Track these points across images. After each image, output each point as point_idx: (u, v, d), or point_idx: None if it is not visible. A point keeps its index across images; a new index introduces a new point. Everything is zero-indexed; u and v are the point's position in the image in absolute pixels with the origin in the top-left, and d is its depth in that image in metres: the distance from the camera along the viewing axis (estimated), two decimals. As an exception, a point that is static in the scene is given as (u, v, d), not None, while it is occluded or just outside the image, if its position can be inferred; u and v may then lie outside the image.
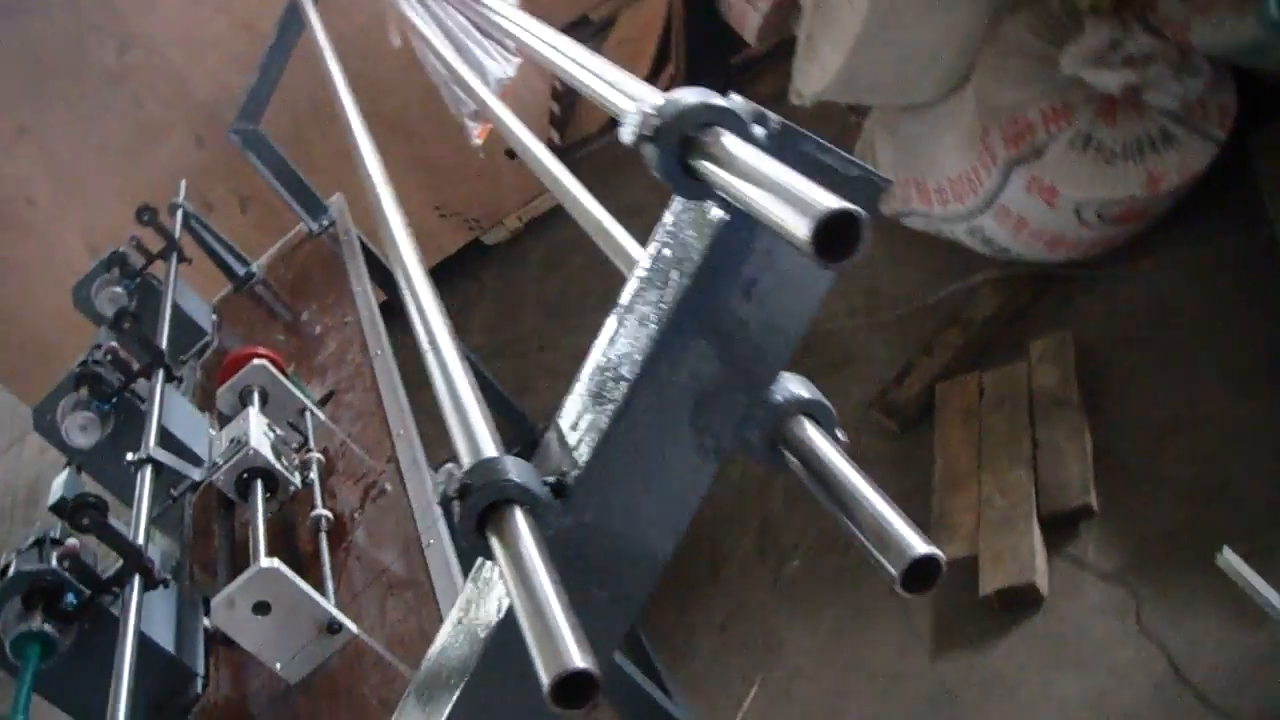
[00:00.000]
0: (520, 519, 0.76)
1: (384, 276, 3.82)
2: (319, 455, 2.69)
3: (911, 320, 3.72)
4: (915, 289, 3.79)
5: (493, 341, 5.17)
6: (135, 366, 3.03)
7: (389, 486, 2.49)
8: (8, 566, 2.42)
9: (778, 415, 0.82)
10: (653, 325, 0.79)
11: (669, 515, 0.82)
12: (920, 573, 0.70)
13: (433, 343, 1.04)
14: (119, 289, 3.63)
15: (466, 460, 0.83)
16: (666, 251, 0.81)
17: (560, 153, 6.06)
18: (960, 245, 3.69)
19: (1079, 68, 3.15)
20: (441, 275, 5.69)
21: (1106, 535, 2.90)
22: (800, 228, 0.61)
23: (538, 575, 0.71)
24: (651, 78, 6.05)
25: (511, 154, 5.58)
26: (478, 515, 0.78)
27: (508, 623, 0.81)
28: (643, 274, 0.83)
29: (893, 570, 0.70)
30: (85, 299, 3.64)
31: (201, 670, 2.45)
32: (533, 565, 0.72)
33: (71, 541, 2.32)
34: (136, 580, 2.24)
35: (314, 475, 2.61)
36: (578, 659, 0.64)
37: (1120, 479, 2.97)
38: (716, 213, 0.77)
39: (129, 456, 2.69)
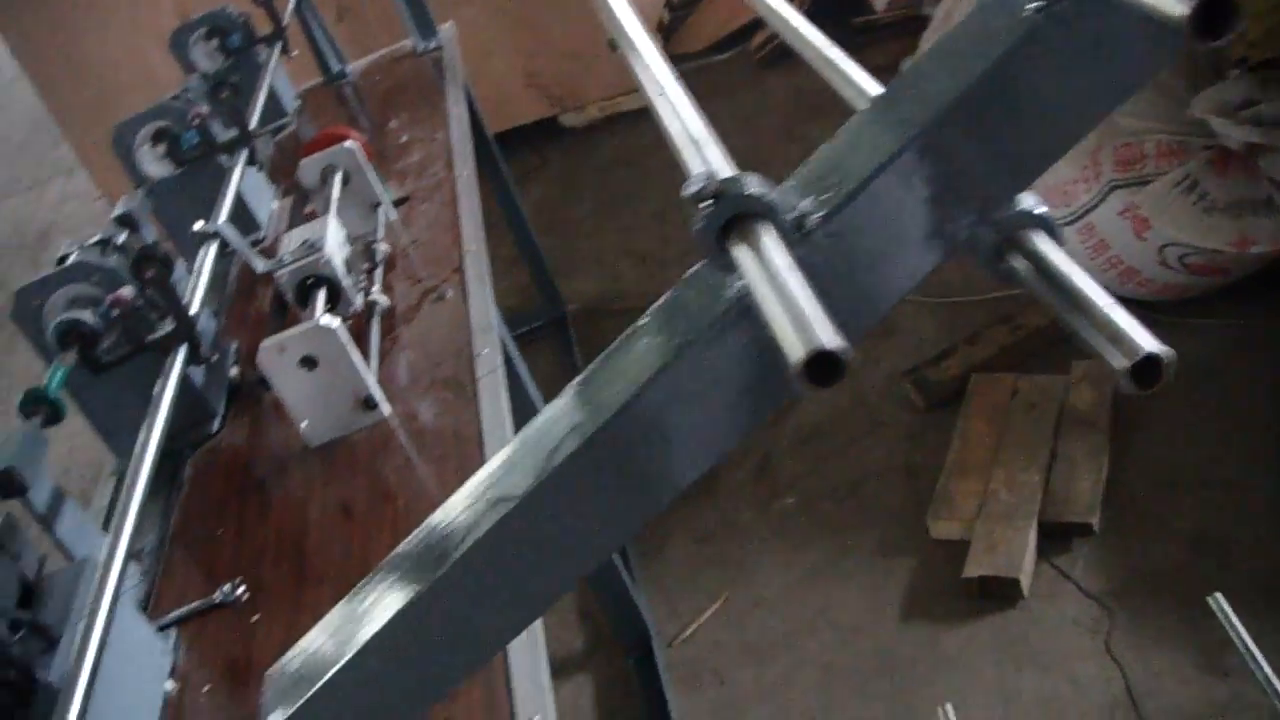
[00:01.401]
0: (769, 231, 0.79)
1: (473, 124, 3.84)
2: (386, 247, 2.71)
3: (963, 310, 3.75)
4: (976, 282, 3.81)
5: (542, 219, 5.18)
6: (219, 140, 3.03)
7: (450, 294, 2.51)
8: (67, 255, 2.45)
9: (1013, 223, 0.85)
10: (933, 102, 0.82)
11: (892, 276, 0.84)
12: (1148, 371, 0.73)
13: (661, 92, 1.06)
14: (216, 47, 3.64)
15: (704, 184, 0.85)
16: (962, 44, 0.84)
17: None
18: (1032, 253, 3.72)
19: (1209, 114, 3.17)
20: (509, 142, 5.70)
21: (1098, 557, 2.95)
22: (1175, 6, 0.64)
23: (787, 271, 0.73)
24: (765, 17, 6.03)
25: (614, 45, 5.57)
26: (724, 223, 0.81)
27: (727, 320, 0.83)
28: (932, 56, 0.85)
29: (1125, 362, 0.73)
30: (182, 45, 3.64)
31: (220, 412, 2.49)
32: (782, 262, 0.74)
33: (125, 290, 2.30)
34: (183, 351, 2.24)
35: (378, 279, 2.62)
36: (833, 338, 0.67)
37: (1126, 510, 3.02)
38: (1031, 8, 0.79)
39: (196, 226, 2.68)
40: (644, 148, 5.47)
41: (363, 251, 2.68)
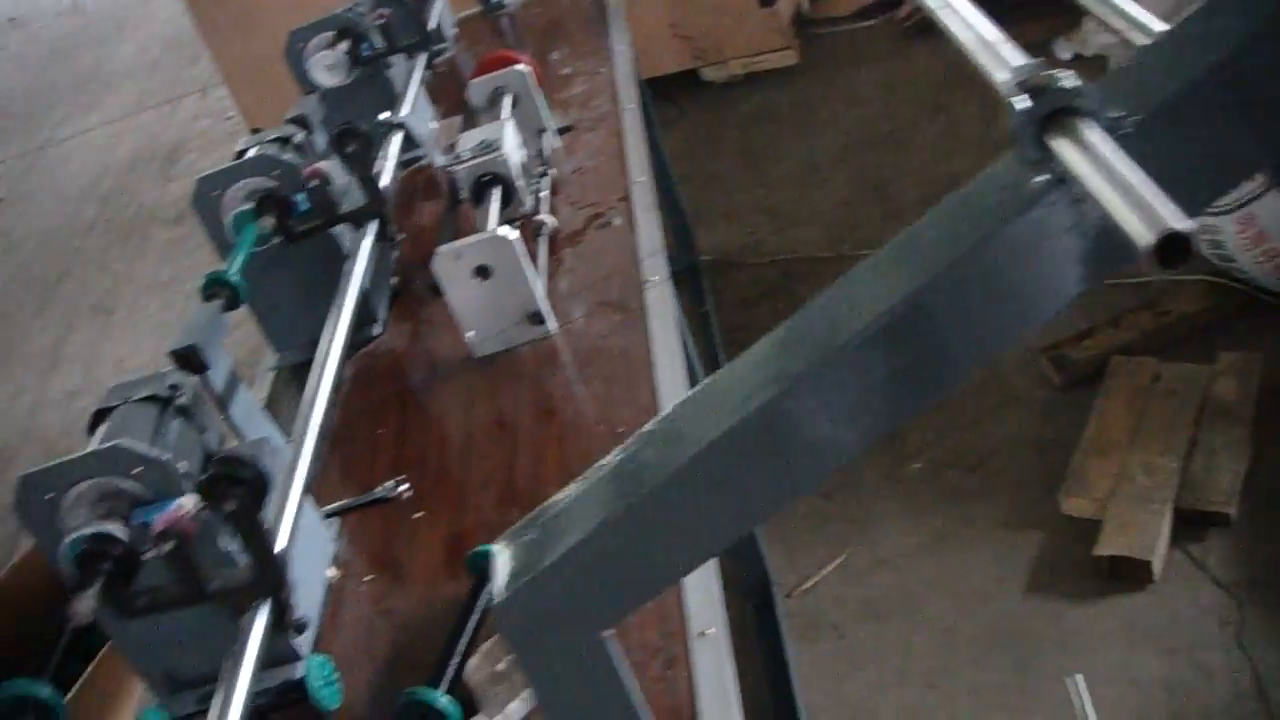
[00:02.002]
0: (1092, 126, 0.79)
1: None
2: (553, 170, 2.74)
3: (1107, 293, 3.68)
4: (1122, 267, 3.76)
5: (678, 169, 5.16)
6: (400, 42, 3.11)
7: (617, 221, 2.52)
8: (245, 150, 2.50)
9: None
10: (1242, 27, 0.81)
11: (1192, 192, 0.84)
12: None
13: (945, 3, 1.06)
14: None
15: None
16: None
17: (806, 23, 6.03)
18: (1182, 241, 3.66)
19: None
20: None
21: (1233, 548, 2.91)
22: None
23: (1122, 162, 0.74)
24: (914, -14, 5.97)
25: (765, 2, 5.55)
26: (1045, 116, 0.81)
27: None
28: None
29: None
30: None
31: (382, 317, 2.54)
32: (1114, 154, 0.75)
33: (322, 164, 2.37)
34: (373, 226, 2.32)
35: (545, 188, 2.66)
36: (1181, 220, 0.68)
37: (1265, 504, 2.97)
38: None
39: (382, 116, 2.78)
40: (784, 107, 5.46)
41: (534, 167, 2.71)
